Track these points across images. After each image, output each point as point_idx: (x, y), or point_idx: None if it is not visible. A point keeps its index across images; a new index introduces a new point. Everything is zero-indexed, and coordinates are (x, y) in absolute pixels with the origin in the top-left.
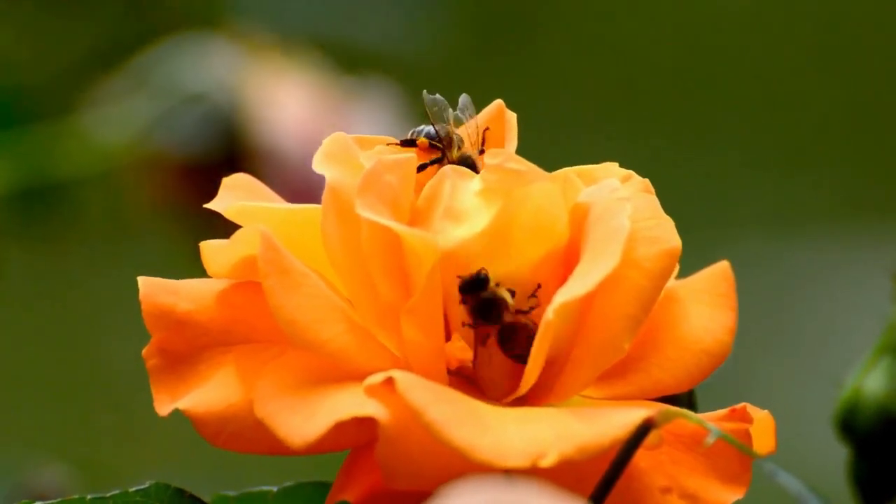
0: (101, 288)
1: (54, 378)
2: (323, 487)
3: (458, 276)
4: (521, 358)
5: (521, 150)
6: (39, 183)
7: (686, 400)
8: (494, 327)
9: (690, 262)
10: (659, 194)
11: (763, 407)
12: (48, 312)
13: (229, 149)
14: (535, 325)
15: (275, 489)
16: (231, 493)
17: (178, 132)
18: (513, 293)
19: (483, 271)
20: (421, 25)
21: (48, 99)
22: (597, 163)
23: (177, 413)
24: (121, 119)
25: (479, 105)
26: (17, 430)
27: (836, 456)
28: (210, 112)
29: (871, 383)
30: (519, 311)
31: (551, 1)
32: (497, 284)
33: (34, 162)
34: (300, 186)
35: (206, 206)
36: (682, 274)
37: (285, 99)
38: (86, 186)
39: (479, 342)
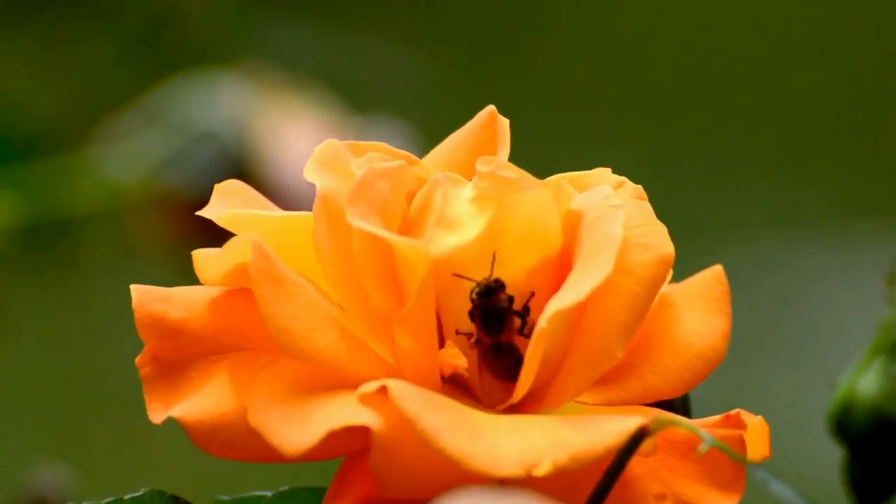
0: (105, 316)
1: (55, 384)
2: (318, 493)
3: (476, 283)
4: (509, 377)
5: (522, 153)
6: (49, 217)
7: (681, 404)
8: (490, 339)
9: (691, 264)
10: (660, 197)
11: (765, 408)
12: (53, 338)
13: None
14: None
15: (270, 494)
16: (226, 498)
17: (188, 170)
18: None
19: (500, 281)
20: (422, 48)
21: (59, 134)
22: (598, 166)
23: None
24: (131, 156)
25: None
26: (20, 432)
27: (836, 457)
28: (220, 150)
29: (865, 384)
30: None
31: (550, 8)
32: (510, 299)
33: (44, 197)
34: None
35: (198, 213)
36: (684, 277)
37: (295, 137)
38: (94, 222)
39: (472, 346)
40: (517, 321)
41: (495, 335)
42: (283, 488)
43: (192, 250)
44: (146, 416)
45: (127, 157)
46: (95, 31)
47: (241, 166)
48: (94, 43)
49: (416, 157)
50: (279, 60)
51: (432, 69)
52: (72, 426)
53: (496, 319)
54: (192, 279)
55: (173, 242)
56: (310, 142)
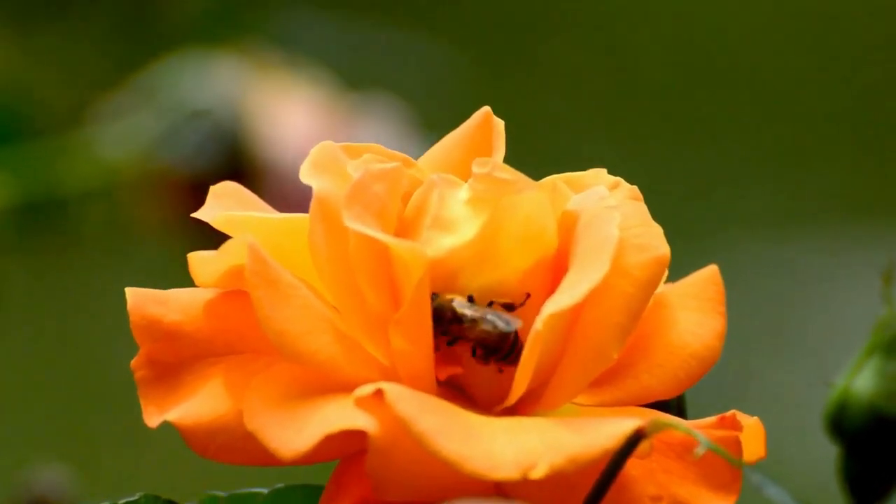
0: (101, 296)
1: (56, 382)
2: (313, 491)
3: None
4: (512, 344)
5: (522, 153)
6: (43, 198)
7: (676, 405)
8: (467, 338)
9: (690, 264)
10: (659, 197)
11: (763, 407)
12: (49, 319)
13: (233, 165)
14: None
15: (265, 491)
16: (221, 494)
17: (182, 148)
18: (471, 298)
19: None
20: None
21: (53, 115)
22: (596, 165)
23: None
24: (125, 135)
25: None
26: (19, 433)
27: (833, 455)
28: (215, 128)
29: (861, 383)
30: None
31: (551, 6)
32: (473, 297)
33: (38, 177)
34: (304, 203)
35: (193, 215)
36: (682, 277)
37: (289, 115)
38: (89, 201)
39: (475, 355)
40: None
41: (450, 327)
42: (279, 486)
43: (187, 228)
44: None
45: (121, 136)
46: (89, 11)
47: (236, 144)
48: (87, 22)
49: (412, 159)
50: (274, 39)
51: (431, 54)
52: (70, 423)
53: (442, 314)
54: (186, 259)
55: (168, 220)
56: (304, 120)
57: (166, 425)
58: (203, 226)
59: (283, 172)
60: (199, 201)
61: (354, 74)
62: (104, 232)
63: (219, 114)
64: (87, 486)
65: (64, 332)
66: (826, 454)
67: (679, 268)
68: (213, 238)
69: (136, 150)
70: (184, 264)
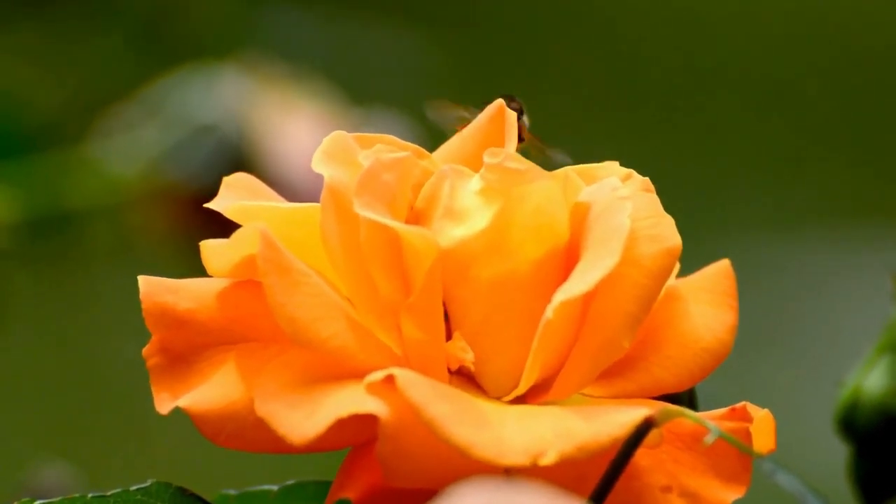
0: (106, 308)
1: (57, 380)
2: (324, 486)
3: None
4: None
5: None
6: (50, 212)
7: (687, 398)
8: None
9: (691, 265)
10: (660, 198)
11: (765, 407)
12: (55, 330)
13: None
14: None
15: (276, 488)
16: (232, 492)
17: (188, 163)
18: None
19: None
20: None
21: (59, 129)
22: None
23: (179, 414)
24: (131, 149)
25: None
26: (21, 430)
27: (838, 456)
28: (220, 142)
29: (872, 382)
30: None
31: (551, 4)
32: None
33: (45, 191)
34: None
35: (207, 205)
36: (684, 276)
37: (295, 130)
38: (95, 215)
39: None
40: None
41: None
42: (290, 482)
43: (193, 243)
44: (148, 413)
45: (127, 150)
46: (96, 26)
47: (242, 159)
48: (94, 37)
49: (425, 150)
50: (279, 52)
51: (434, 62)
52: (74, 423)
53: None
54: (194, 272)
55: (174, 235)
56: (309, 134)
57: (170, 422)
58: (208, 238)
59: (288, 186)
60: (205, 216)
61: (350, 75)
62: (110, 246)
63: (224, 128)
64: (89, 484)
65: (69, 342)
66: (827, 453)
67: (681, 270)
68: None
69: (142, 164)
70: (186, 277)
